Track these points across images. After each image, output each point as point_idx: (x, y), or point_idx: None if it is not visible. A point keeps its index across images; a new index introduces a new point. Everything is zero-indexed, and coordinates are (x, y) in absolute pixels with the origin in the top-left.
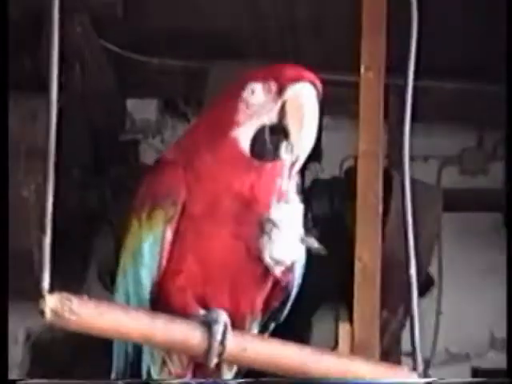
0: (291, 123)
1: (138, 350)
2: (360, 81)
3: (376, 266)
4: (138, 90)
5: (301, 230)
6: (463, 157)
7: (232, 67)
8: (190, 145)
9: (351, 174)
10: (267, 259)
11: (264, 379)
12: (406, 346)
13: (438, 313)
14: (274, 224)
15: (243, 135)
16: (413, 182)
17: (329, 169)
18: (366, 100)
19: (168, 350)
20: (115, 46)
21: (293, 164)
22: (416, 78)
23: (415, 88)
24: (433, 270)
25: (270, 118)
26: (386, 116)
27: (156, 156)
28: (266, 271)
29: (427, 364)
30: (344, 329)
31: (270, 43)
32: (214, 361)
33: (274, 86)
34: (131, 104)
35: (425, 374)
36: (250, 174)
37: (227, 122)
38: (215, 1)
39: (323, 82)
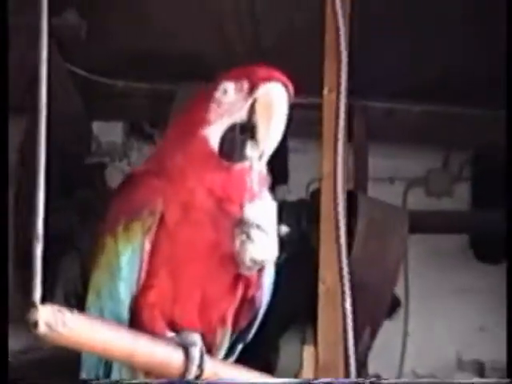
0: (260, 120)
1: None
2: (323, 102)
3: (339, 287)
4: (104, 112)
5: (275, 228)
6: (429, 178)
7: (198, 89)
8: (161, 151)
9: (317, 196)
10: (247, 261)
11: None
12: (372, 368)
13: (405, 334)
14: (251, 224)
15: (213, 134)
16: (379, 203)
17: (295, 191)
18: (328, 121)
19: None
20: (80, 69)
21: (257, 160)
22: (382, 100)
23: (381, 109)
24: (399, 291)
25: (240, 116)
26: (350, 137)
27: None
28: (237, 281)
29: None
30: (308, 351)
31: (236, 66)
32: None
33: (246, 85)
34: (97, 127)
35: None
36: (220, 173)
37: (198, 120)
38: (181, 23)
39: (291, 104)
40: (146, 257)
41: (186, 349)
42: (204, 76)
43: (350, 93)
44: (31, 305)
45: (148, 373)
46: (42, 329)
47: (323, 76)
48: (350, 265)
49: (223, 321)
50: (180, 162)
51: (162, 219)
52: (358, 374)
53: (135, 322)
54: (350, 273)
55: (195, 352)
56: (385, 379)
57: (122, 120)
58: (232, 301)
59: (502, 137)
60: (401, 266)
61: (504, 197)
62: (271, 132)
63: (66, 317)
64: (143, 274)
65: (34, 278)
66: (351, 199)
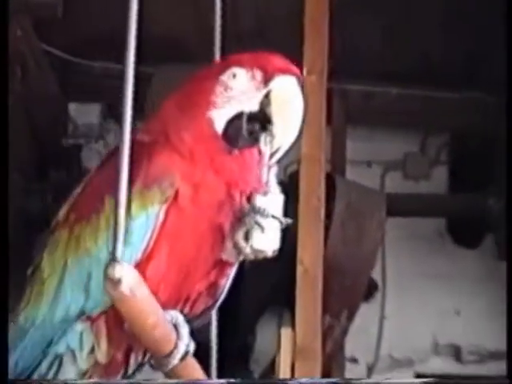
0: (276, 114)
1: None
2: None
3: (317, 270)
4: (81, 94)
5: (270, 213)
6: (406, 161)
7: (176, 72)
8: (163, 124)
9: (295, 178)
10: (248, 250)
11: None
12: (349, 351)
13: (382, 318)
14: (265, 214)
15: (218, 117)
16: (356, 186)
17: None
18: (308, 104)
19: (116, 340)
20: (57, 49)
21: (272, 155)
22: (359, 82)
23: (360, 93)
24: (376, 274)
25: (250, 105)
26: (329, 120)
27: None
28: (215, 266)
29: (370, 369)
30: (286, 334)
31: (215, 49)
32: (174, 363)
33: (259, 74)
34: (74, 108)
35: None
36: (227, 158)
37: (203, 102)
38: (160, 4)
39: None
40: (158, 227)
41: (175, 327)
42: (181, 58)
43: (329, 76)
44: (114, 261)
45: (112, 343)
46: (124, 288)
47: (302, 58)
48: (327, 247)
49: (185, 303)
50: (188, 141)
51: (176, 194)
52: (335, 357)
53: None
54: (328, 255)
55: (185, 331)
56: (358, 379)
57: (99, 101)
58: (203, 284)
59: (480, 120)
60: (378, 250)
61: (506, 188)
62: (289, 128)
63: (139, 282)
64: (151, 243)
65: (115, 236)
66: (329, 182)
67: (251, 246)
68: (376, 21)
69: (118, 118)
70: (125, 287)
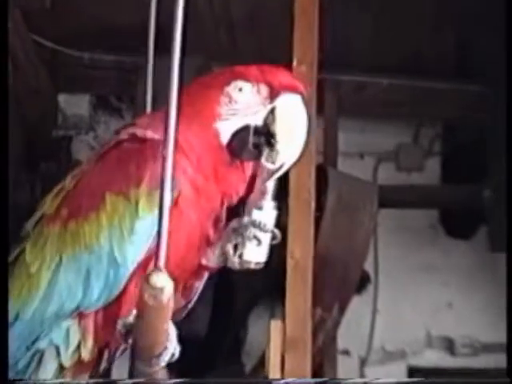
0: (281, 132)
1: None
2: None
3: (308, 262)
4: (70, 85)
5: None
6: (399, 153)
7: (166, 63)
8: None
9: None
10: (237, 261)
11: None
12: (341, 344)
13: (374, 310)
14: (261, 227)
15: (224, 129)
16: (348, 178)
17: None
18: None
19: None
20: (46, 39)
21: (275, 171)
22: (352, 73)
23: (352, 84)
24: (369, 267)
25: (255, 119)
26: (320, 111)
27: (89, 152)
28: (198, 270)
29: (363, 362)
30: (276, 326)
31: (205, 39)
32: (162, 364)
33: (264, 89)
34: (63, 99)
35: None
36: (228, 168)
37: (209, 112)
38: None
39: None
40: None
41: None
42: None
43: (320, 66)
44: (158, 270)
45: (97, 341)
46: (164, 297)
47: (293, 48)
48: (319, 240)
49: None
50: (197, 149)
51: (178, 196)
52: (327, 349)
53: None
54: (320, 248)
55: (173, 334)
56: (344, 379)
57: (89, 93)
58: (180, 286)
59: (473, 110)
60: (370, 242)
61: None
62: (293, 146)
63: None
64: (153, 245)
65: (159, 246)
66: (321, 174)
67: (240, 257)
68: (367, 11)
69: (108, 110)
70: (165, 296)
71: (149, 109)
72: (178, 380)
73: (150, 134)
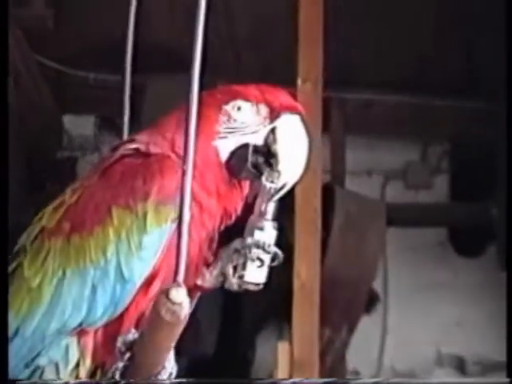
0: (282, 152)
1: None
2: (297, 93)
3: (315, 283)
4: (75, 105)
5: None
6: (407, 171)
7: (171, 82)
8: (173, 143)
9: (292, 189)
10: (233, 280)
11: None
12: (351, 364)
13: (384, 329)
14: (264, 248)
15: (223, 147)
16: (356, 196)
17: None
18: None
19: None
20: (51, 60)
21: (277, 191)
22: (359, 91)
23: (359, 102)
24: (378, 286)
25: (255, 139)
26: (327, 129)
27: None
28: (192, 290)
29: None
30: (283, 348)
31: (210, 57)
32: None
33: (264, 110)
34: (68, 120)
35: None
36: (228, 186)
37: (208, 130)
38: (153, 13)
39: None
40: (166, 244)
41: None
42: (177, 68)
43: (326, 84)
44: (178, 285)
45: (95, 359)
46: (183, 313)
47: (297, 66)
48: (326, 259)
49: None
50: (199, 165)
51: None
52: (336, 370)
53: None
54: (328, 267)
55: (172, 354)
56: (353, 379)
57: (94, 113)
58: None
59: (480, 128)
60: (379, 261)
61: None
62: (295, 166)
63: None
64: (159, 261)
65: (179, 261)
66: (328, 192)
67: (241, 278)
68: (373, 29)
69: (113, 130)
70: (183, 312)
71: (126, 127)
72: (177, 380)
73: (153, 148)
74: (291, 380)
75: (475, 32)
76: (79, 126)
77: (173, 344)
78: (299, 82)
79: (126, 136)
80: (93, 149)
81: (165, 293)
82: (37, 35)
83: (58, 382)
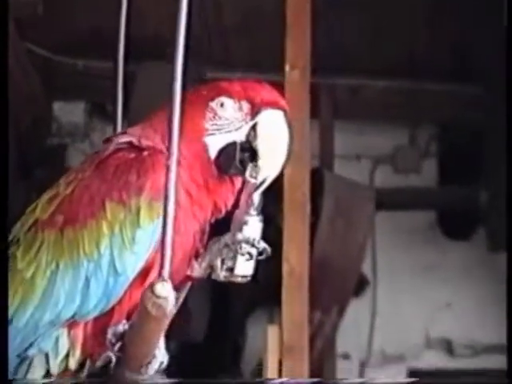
0: (262, 148)
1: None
2: (285, 80)
3: (304, 267)
4: (65, 92)
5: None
6: (396, 155)
7: (160, 69)
8: (164, 138)
9: (281, 174)
10: (222, 273)
11: None
12: (341, 347)
13: (373, 313)
14: (252, 243)
15: (212, 144)
16: (345, 181)
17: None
18: (292, 99)
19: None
20: (39, 47)
21: (258, 186)
22: (346, 77)
23: (347, 87)
24: (367, 269)
25: (239, 136)
26: (315, 114)
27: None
28: (183, 281)
29: (363, 365)
30: (273, 332)
31: (198, 45)
32: (150, 373)
33: (246, 106)
34: (58, 107)
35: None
36: (217, 181)
37: (197, 126)
38: (142, 1)
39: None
40: (159, 239)
41: None
42: (167, 56)
43: (314, 70)
44: (163, 279)
45: (84, 351)
46: (168, 307)
47: (285, 53)
48: (316, 244)
49: None
50: (189, 159)
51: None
52: (326, 353)
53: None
54: (317, 251)
55: (162, 343)
56: (340, 379)
57: (84, 100)
58: None
59: (469, 112)
60: (367, 244)
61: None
62: (274, 161)
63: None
64: (152, 255)
65: (164, 255)
66: (317, 177)
67: (229, 271)
68: (360, 14)
69: (103, 117)
70: (169, 306)
71: (119, 118)
72: (178, 380)
73: (145, 142)
74: (279, 380)
75: (465, 17)
76: (69, 112)
77: (161, 336)
78: (287, 68)
79: (119, 124)
80: (82, 135)
81: (150, 287)
82: (26, 22)
83: (58, 381)
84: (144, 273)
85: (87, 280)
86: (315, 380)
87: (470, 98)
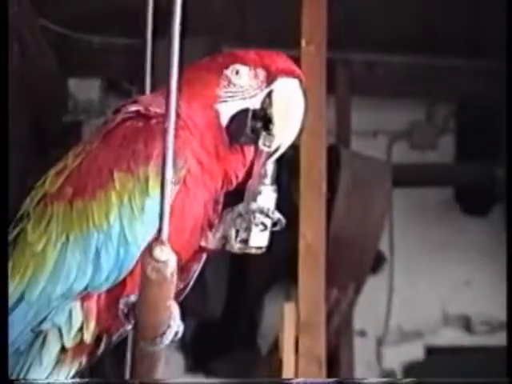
0: (277, 115)
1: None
2: (301, 55)
3: (320, 244)
4: (80, 69)
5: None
6: (413, 131)
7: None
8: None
9: (298, 150)
10: (237, 245)
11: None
12: (358, 324)
13: (390, 290)
14: (266, 213)
15: (224, 111)
16: (361, 157)
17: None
18: (308, 75)
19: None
20: (55, 24)
21: (271, 154)
22: (362, 52)
23: (364, 62)
24: (384, 246)
25: (253, 103)
26: (332, 90)
27: None
28: (197, 253)
29: (380, 342)
30: (289, 309)
31: (215, 20)
32: (166, 342)
33: (261, 73)
34: (73, 84)
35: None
36: (228, 150)
37: (209, 93)
38: None
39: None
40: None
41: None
42: (183, 30)
43: (331, 46)
44: (161, 242)
45: (99, 323)
46: (168, 271)
47: (301, 28)
48: (333, 220)
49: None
50: (200, 126)
51: (186, 175)
52: (343, 330)
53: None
54: (334, 227)
55: (176, 311)
56: (361, 379)
57: (100, 77)
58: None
59: (486, 88)
60: (385, 221)
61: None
62: (289, 129)
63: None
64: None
65: (161, 217)
66: (334, 154)
67: (243, 242)
68: None
69: (119, 94)
70: (169, 271)
71: (148, 91)
72: (179, 380)
73: (153, 109)
74: (296, 380)
75: None
76: (84, 89)
77: (168, 302)
78: (303, 44)
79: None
80: (98, 112)
81: (149, 251)
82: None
83: (57, 381)
84: (155, 243)
85: (98, 251)
86: (332, 380)
87: (487, 73)
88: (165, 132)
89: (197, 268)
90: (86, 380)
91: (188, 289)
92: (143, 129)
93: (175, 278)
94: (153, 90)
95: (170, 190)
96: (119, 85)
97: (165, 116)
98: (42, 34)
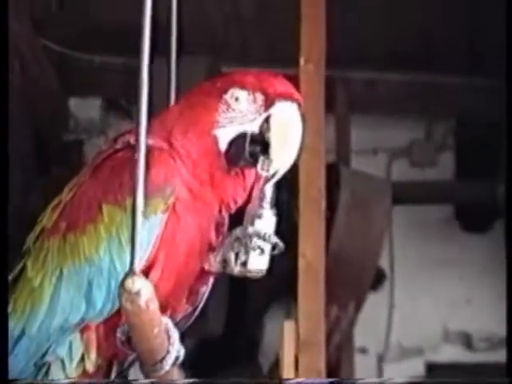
0: (275, 140)
1: (44, 348)
2: (300, 73)
3: (320, 262)
4: (81, 88)
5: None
6: (412, 149)
7: (177, 63)
8: (170, 134)
9: (297, 169)
10: (236, 268)
11: None
12: (358, 341)
13: (391, 307)
14: (263, 237)
15: (223, 136)
16: (361, 175)
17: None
18: (306, 93)
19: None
20: (55, 43)
21: (269, 178)
22: (361, 70)
23: (362, 80)
24: (384, 263)
25: (251, 127)
26: (331, 109)
27: None
28: (203, 275)
29: (381, 359)
30: (289, 327)
31: (215, 37)
32: (166, 368)
33: (260, 98)
34: (74, 103)
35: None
36: (225, 175)
37: (208, 119)
38: None
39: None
40: (159, 236)
41: (167, 333)
42: (183, 48)
43: (330, 63)
44: (132, 273)
45: (100, 352)
46: (142, 301)
47: (300, 46)
48: (332, 238)
49: (166, 310)
50: (194, 156)
51: (175, 200)
52: (344, 347)
53: None
54: (333, 246)
55: (176, 337)
56: (358, 379)
57: (100, 96)
58: (185, 292)
59: (485, 105)
60: (385, 239)
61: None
62: (287, 154)
63: (153, 295)
64: (152, 253)
65: (133, 248)
66: (333, 172)
67: (243, 265)
68: (377, 7)
69: (119, 113)
70: (142, 300)
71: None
72: (188, 380)
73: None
74: (296, 380)
75: (482, 8)
76: (85, 108)
77: (156, 330)
78: (302, 62)
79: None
80: (99, 131)
81: (121, 283)
82: (41, 18)
83: (57, 382)
84: (146, 271)
85: (90, 284)
86: (332, 380)
87: (486, 90)
88: (136, 163)
89: (205, 291)
90: (87, 380)
91: (197, 312)
92: (129, 160)
93: (154, 306)
94: (150, 111)
95: (160, 219)
96: (119, 104)
97: (136, 146)
98: (42, 53)
